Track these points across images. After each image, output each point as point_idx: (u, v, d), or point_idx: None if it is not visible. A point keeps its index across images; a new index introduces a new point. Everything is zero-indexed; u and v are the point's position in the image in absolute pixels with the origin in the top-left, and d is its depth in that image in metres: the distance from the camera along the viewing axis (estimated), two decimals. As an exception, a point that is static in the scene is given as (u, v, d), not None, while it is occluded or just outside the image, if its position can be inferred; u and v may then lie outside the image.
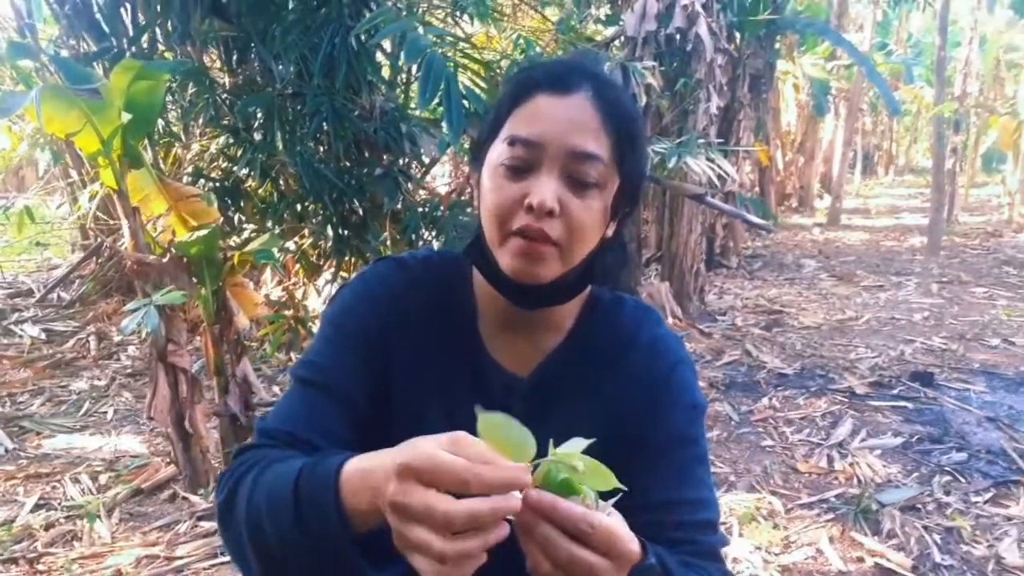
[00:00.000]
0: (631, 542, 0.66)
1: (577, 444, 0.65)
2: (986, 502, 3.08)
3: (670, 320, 5.89)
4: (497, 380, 0.93)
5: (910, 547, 2.75)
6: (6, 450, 3.66)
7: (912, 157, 27.00)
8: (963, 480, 3.28)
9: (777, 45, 8.26)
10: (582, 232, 0.84)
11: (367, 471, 0.67)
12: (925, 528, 2.87)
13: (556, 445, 0.68)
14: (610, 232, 0.91)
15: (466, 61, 3.30)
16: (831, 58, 12.65)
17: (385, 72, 3.83)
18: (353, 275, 1.03)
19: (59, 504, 3.09)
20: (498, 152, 0.84)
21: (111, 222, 5.93)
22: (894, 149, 25.40)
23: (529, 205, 0.81)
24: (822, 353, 5.19)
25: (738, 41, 7.16)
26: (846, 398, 4.29)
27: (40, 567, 2.61)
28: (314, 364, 0.92)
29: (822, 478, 3.34)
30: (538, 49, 4.44)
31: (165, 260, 2.87)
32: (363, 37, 3.25)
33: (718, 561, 0.89)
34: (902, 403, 4.19)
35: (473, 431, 0.74)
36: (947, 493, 3.15)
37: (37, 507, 3.06)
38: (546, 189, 0.81)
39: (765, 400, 4.28)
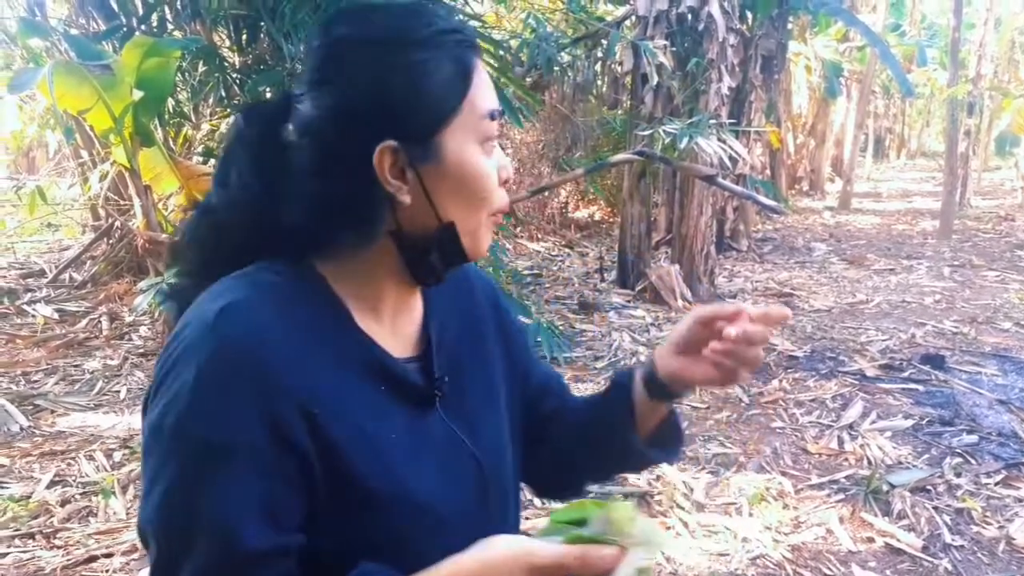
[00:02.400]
0: None
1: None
2: (997, 484, 3.08)
3: (680, 302, 5.88)
4: (406, 372, 0.80)
5: (920, 528, 2.75)
6: (21, 428, 3.69)
7: (924, 141, 26.77)
8: (974, 462, 3.27)
9: (790, 26, 8.18)
10: None
11: None
12: (935, 509, 2.87)
13: (482, 395, 0.87)
14: None
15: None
16: (844, 39, 12.54)
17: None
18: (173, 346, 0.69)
19: (74, 481, 3.13)
20: (476, 129, 0.76)
21: (122, 202, 5.96)
22: (906, 133, 25.18)
23: (507, 179, 0.80)
24: (832, 336, 5.18)
25: (750, 21, 7.09)
26: (856, 380, 4.28)
27: (57, 542, 2.64)
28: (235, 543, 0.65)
29: (832, 459, 3.35)
30: (549, 28, 4.41)
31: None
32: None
33: None
34: (913, 386, 4.18)
35: (409, 434, 0.76)
36: (958, 475, 3.15)
37: (53, 483, 3.10)
38: (506, 159, 0.81)
39: (775, 382, 4.28)
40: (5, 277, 6.77)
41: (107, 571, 2.45)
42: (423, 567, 0.70)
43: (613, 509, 0.69)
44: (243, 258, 0.76)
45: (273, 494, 0.67)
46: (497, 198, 0.80)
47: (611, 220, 9.51)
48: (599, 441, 0.92)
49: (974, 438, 3.50)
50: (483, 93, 0.77)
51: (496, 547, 0.69)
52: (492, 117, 0.77)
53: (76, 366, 4.63)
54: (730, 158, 5.31)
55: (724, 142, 4.99)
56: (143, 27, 3.46)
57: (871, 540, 2.70)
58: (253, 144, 0.77)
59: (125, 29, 3.41)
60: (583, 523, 0.70)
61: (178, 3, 3.53)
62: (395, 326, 0.82)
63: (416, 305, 0.86)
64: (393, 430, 0.75)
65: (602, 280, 6.94)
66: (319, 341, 0.73)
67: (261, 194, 0.74)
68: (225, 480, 0.65)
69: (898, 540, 2.68)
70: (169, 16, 3.62)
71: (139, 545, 2.58)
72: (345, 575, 0.69)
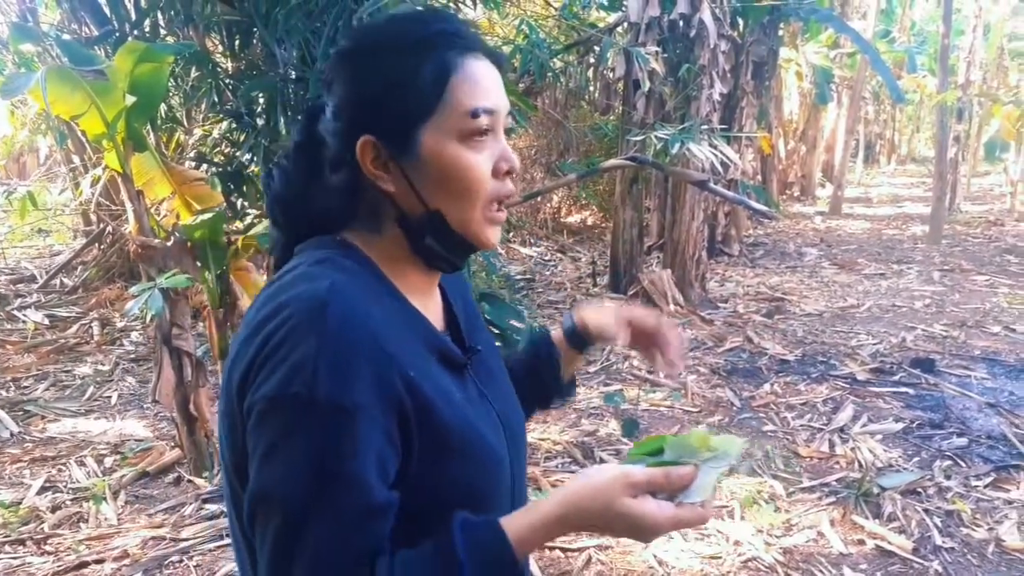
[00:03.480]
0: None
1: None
2: (986, 486, 3.10)
3: (672, 307, 5.90)
4: (447, 343, 0.88)
5: (911, 530, 2.77)
6: (11, 434, 3.68)
7: (914, 146, 26.91)
8: (964, 465, 3.30)
9: (780, 32, 8.23)
10: None
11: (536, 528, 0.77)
12: (926, 511, 2.89)
13: (494, 362, 0.99)
14: None
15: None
16: (834, 46, 12.61)
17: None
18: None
19: (65, 487, 3.11)
20: (456, 126, 0.80)
21: (114, 207, 5.94)
22: (896, 138, 25.31)
23: (510, 170, 0.85)
24: (823, 340, 5.21)
25: (741, 28, 7.13)
26: (847, 384, 4.31)
27: (48, 548, 2.63)
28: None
29: (823, 462, 3.36)
30: (542, 35, 4.43)
31: (169, 243, 2.88)
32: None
33: None
34: (903, 389, 4.21)
35: (462, 394, 0.85)
36: (948, 477, 3.17)
37: (43, 489, 3.09)
38: (511, 152, 0.86)
39: (767, 386, 4.30)
40: (-5, 283, 6.73)
41: (98, 577, 2.44)
42: (495, 511, 0.79)
43: (685, 437, 0.82)
44: (307, 220, 0.88)
45: (383, 452, 0.74)
46: (490, 190, 0.84)
47: (603, 225, 9.54)
48: (535, 390, 1.14)
49: (964, 441, 3.52)
50: (467, 91, 0.81)
51: (598, 472, 0.79)
52: (475, 115, 0.81)
53: (67, 372, 4.61)
54: (721, 163, 5.34)
55: (715, 148, 5.02)
56: (136, 32, 3.45)
57: (862, 542, 2.71)
58: (299, 137, 0.89)
59: (118, 34, 3.40)
60: (658, 453, 0.82)
61: (171, 9, 3.52)
62: (427, 305, 0.90)
63: (437, 288, 0.95)
64: (453, 391, 0.84)
65: (595, 285, 6.96)
66: (396, 316, 0.82)
67: (307, 176, 0.87)
68: (357, 438, 0.71)
69: (889, 542, 2.69)
70: (162, 21, 3.61)
71: (130, 551, 2.57)
72: (424, 528, 0.75)
